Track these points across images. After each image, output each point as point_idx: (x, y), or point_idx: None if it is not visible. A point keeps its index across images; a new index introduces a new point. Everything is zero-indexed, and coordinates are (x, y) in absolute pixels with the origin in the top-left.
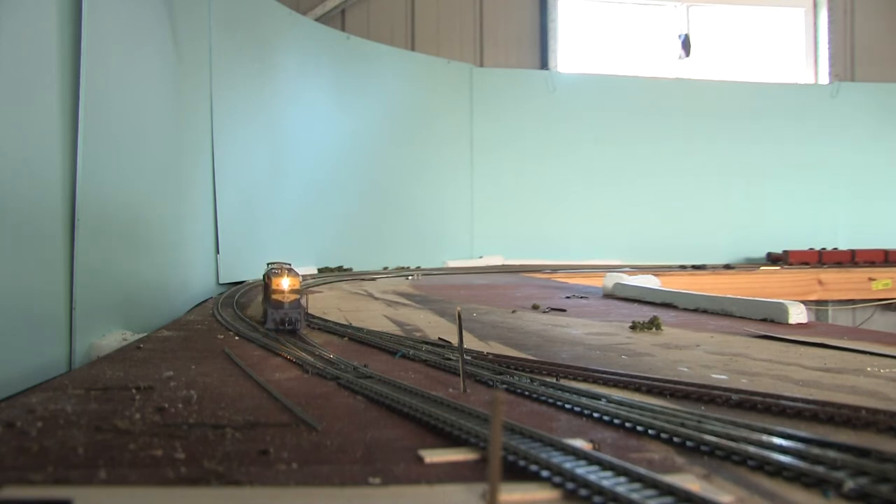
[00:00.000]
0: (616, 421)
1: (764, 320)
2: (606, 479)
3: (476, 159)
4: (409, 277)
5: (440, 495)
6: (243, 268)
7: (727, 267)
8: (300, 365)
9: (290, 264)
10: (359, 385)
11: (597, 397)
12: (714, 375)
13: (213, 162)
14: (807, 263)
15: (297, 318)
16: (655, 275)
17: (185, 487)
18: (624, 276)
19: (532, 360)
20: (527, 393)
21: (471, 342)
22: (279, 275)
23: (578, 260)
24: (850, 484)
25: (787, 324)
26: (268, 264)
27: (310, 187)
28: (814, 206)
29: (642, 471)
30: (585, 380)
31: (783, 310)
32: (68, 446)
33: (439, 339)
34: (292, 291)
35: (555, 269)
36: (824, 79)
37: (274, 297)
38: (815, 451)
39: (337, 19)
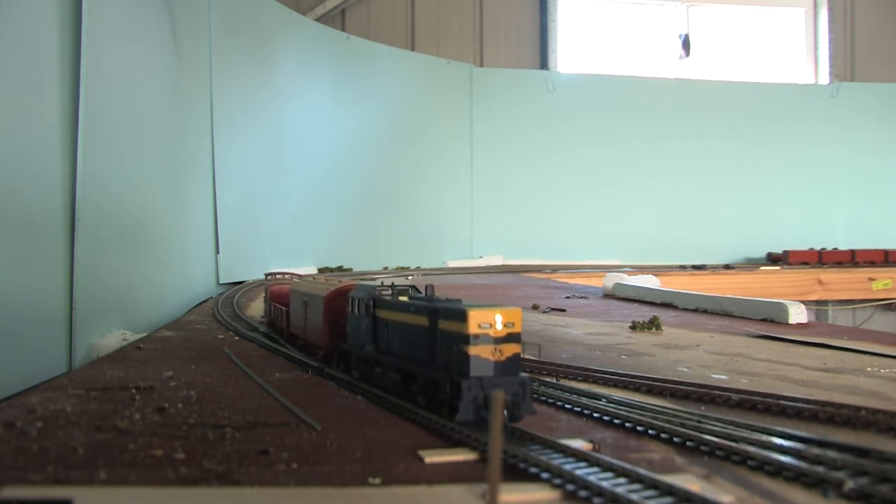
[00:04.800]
0: (616, 421)
1: (764, 320)
2: (606, 480)
3: (476, 159)
4: (409, 277)
5: (440, 495)
6: (243, 268)
7: (727, 267)
8: (300, 365)
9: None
10: (359, 385)
11: (597, 397)
12: (714, 375)
13: (213, 162)
14: (807, 263)
15: (522, 392)
16: (655, 275)
17: (185, 487)
18: (624, 276)
19: (532, 360)
20: None
21: None
22: (485, 308)
23: (578, 260)
24: (850, 484)
25: (787, 324)
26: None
27: (310, 187)
28: (814, 206)
29: (642, 471)
30: (585, 380)
31: (783, 310)
32: (68, 446)
33: None
34: (509, 338)
35: (555, 269)
36: (824, 79)
37: (474, 350)
38: (815, 451)
39: (337, 19)
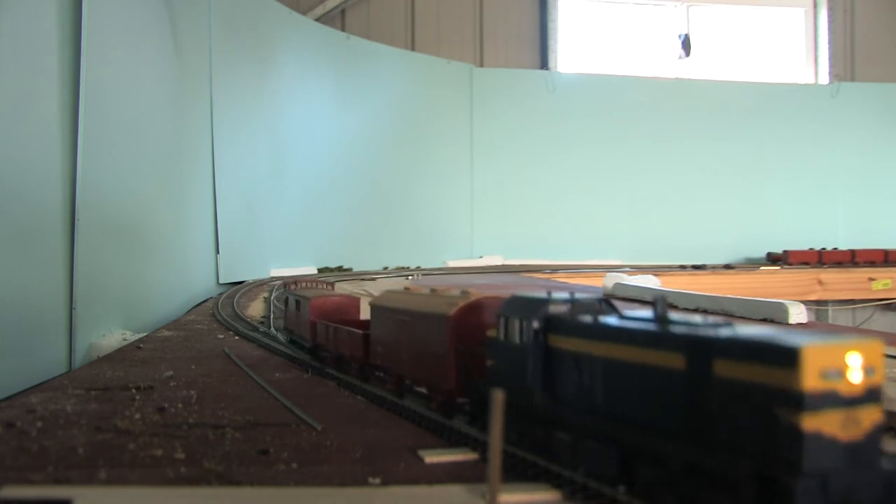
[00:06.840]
0: None
1: (764, 320)
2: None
3: (476, 159)
4: (409, 277)
5: (440, 495)
6: (243, 268)
7: (727, 267)
8: (300, 364)
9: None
10: (359, 385)
11: None
12: None
13: (213, 162)
14: (807, 263)
15: (891, 496)
16: (655, 275)
17: (185, 487)
18: (624, 276)
19: None
20: None
21: None
22: (828, 341)
23: (578, 260)
24: None
25: (787, 324)
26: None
27: (310, 187)
28: (814, 206)
29: None
30: None
31: (783, 310)
32: (68, 446)
33: None
34: (869, 396)
35: (555, 269)
36: (824, 79)
37: (811, 421)
38: None
39: (337, 19)
